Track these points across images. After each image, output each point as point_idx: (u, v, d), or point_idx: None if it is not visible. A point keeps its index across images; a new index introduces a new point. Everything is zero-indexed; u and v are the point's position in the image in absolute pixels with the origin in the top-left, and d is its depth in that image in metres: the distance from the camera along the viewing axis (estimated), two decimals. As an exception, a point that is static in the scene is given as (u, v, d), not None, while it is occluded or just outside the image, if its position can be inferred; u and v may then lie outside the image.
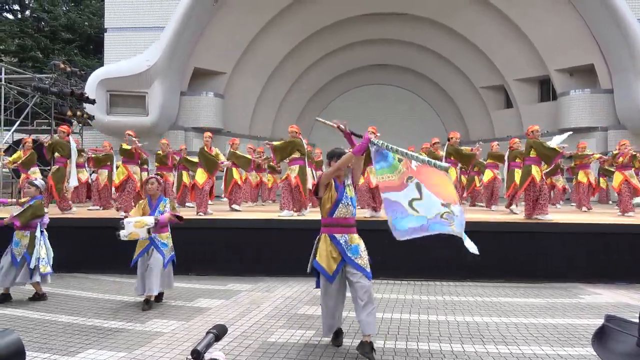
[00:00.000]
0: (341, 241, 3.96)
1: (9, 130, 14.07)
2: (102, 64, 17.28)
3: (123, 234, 5.11)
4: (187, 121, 16.82)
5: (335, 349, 4.11)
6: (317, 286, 4.14)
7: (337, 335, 4.20)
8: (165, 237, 5.61)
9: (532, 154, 7.98)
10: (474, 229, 7.26)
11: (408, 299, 5.90)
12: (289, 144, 8.61)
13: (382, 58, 21.12)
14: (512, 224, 7.71)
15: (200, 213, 8.61)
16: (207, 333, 1.53)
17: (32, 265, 5.65)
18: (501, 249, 7.19)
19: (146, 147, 10.37)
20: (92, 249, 7.56)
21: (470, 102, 20.53)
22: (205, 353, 1.44)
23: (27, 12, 26.73)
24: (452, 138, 9.86)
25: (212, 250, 7.51)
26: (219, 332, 1.56)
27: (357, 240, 4.03)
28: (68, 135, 9.29)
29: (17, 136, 15.66)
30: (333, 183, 4.06)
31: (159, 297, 5.74)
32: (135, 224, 5.17)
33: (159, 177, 5.93)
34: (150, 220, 5.27)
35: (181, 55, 16.02)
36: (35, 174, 10.02)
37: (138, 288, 5.55)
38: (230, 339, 4.31)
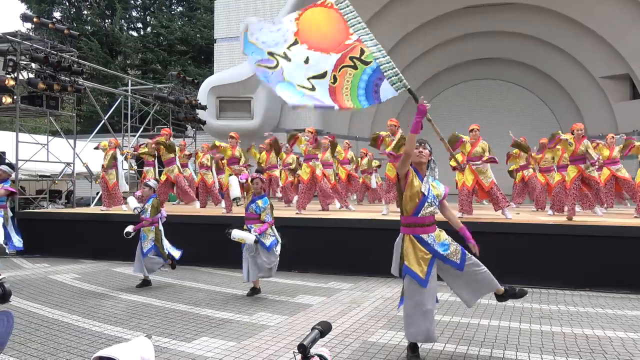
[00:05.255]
0: (429, 241, 3.73)
1: (134, 135, 15.70)
2: (212, 73, 18.58)
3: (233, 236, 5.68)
4: (289, 123, 17.44)
5: (439, 353, 3.98)
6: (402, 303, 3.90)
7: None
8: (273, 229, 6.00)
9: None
10: (591, 234, 6.62)
11: (508, 306, 5.54)
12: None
13: (484, 52, 20.12)
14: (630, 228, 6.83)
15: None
16: (313, 329, 1.57)
17: (165, 256, 6.57)
18: (618, 255, 6.43)
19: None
20: (205, 244, 8.15)
21: (588, 94, 18.70)
22: (311, 348, 1.49)
23: (149, 29, 29.63)
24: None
25: (313, 249, 7.70)
26: (324, 329, 1.60)
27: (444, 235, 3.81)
28: (170, 138, 10.23)
29: (141, 141, 17.40)
30: (415, 175, 3.73)
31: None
32: (239, 239, 5.67)
33: (262, 176, 6.28)
34: (250, 239, 5.64)
35: (283, 60, 16.66)
36: (149, 173, 10.80)
37: (245, 276, 5.96)
38: (331, 336, 4.38)
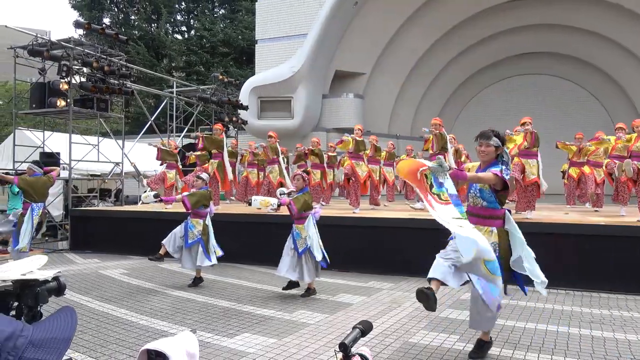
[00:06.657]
0: None
1: (179, 136, 16.16)
2: (253, 73, 18.86)
3: (254, 204, 5.96)
4: (329, 122, 17.46)
5: (482, 357, 3.88)
6: None
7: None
8: (300, 229, 5.84)
9: None
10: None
11: (557, 310, 5.32)
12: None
13: (527, 46, 19.48)
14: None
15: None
16: (354, 328, 1.56)
17: (210, 251, 6.43)
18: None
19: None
20: (248, 242, 8.29)
21: (644, 88, 17.76)
22: (352, 347, 1.48)
23: (192, 32, 30.43)
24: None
25: (353, 247, 7.68)
26: (365, 328, 1.59)
27: (494, 235, 3.66)
28: (222, 133, 10.37)
29: (185, 141, 17.89)
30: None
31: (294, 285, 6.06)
32: (261, 202, 5.87)
33: (305, 174, 6.23)
34: (274, 200, 5.81)
35: (323, 59, 16.70)
36: (212, 165, 10.77)
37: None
38: (371, 336, 4.35)
